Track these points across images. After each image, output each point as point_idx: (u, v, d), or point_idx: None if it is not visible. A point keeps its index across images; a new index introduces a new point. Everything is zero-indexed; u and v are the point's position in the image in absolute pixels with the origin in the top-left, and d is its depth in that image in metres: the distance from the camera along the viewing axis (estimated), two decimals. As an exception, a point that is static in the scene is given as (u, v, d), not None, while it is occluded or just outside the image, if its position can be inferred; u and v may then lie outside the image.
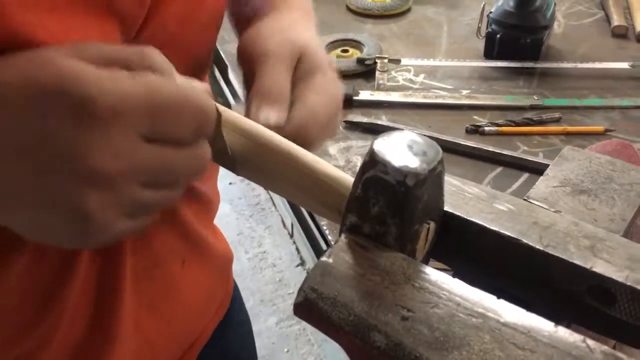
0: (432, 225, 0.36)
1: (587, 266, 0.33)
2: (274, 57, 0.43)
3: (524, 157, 0.83)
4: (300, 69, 0.44)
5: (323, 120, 0.43)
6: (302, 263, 2.06)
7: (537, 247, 0.34)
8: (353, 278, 0.33)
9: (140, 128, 0.30)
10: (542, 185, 0.47)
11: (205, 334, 0.63)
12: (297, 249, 2.12)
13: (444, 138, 0.87)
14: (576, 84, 0.99)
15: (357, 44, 1.07)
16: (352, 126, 0.90)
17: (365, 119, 0.91)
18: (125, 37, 0.38)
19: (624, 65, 1.00)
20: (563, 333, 0.30)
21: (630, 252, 0.34)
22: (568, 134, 0.88)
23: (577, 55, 1.05)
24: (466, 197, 0.38)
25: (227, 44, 1.11)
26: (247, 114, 0.40)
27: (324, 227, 0.76)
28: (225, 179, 2.42)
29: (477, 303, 0.31)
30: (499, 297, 0.32)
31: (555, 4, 1.05)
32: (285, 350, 1.83)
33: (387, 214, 0.33)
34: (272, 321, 1.88)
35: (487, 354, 0.29)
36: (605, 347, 0.29)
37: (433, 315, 0.31)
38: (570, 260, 0.34)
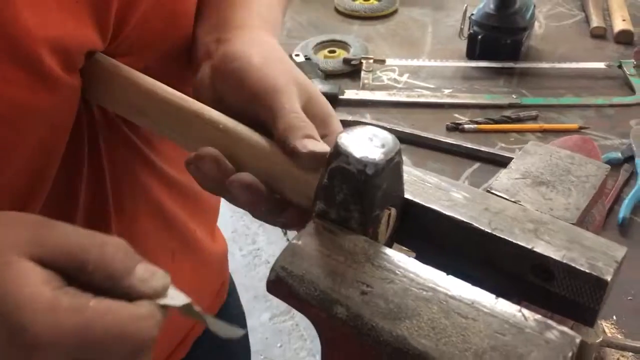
0: (393, 211, 0.39)
1: (529, 246, 0.37)
2: (289, 94, 0.42)
3: (501, 154, 0.87)
4: (314, 114, 0.43)
5: None
6: (296, 260, 2.10)
7: (486, 230, 0.38)
8: (319, 258, 0.36)
9: (71, 355, 0.32)
10: (504, 177, 0.51)
11: (199, 325, 0.66)
12: (291, 246, 2.16)
13: (426, 135, 0.91)
14: (554, 84, 1.03)
15: (343, 45, 1.10)
16: (338, 124, 0.94)
17: (350, 117, 0.94)
18: (103, 33, 0.41)
19: (601, 65, 1.04)
20: (502, 304, 0.33)
21: (570, 235, 0.38)
22: (544, 131, 0.92)
23: (556, 56, 1.09)
24: (426, 186, 0.42)
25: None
26: (292, 149, 0.40)
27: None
28: (220, 177, 2.46)
29: (428, 279, 0.35)
30: (448, 274, 0.35)
31: (534, 6, 1.09)
32: (279, 345, 1.86)
33: (350, 201, 0.37)
34: (265, 317, 1.92)
35: (434, 322, 0.33)
36: (538, 316, 0.32)
37: (389, 289, 0.34)
38: (514, 241, 0.37)
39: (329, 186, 0.38)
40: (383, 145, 0.37)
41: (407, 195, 0.41)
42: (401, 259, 0.36)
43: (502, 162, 0.86)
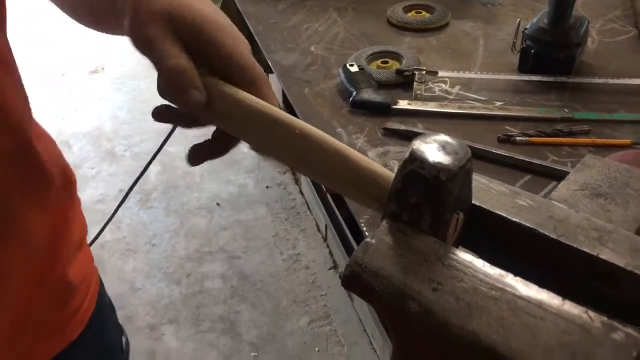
0: (461, 215, 0.42)
1: (594, 253, 0.39)
2: (241, 51, 0.52)
3: (553, 166, 0.88)
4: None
5: None
6: (335, 266, 2.12)
7: (552, 236, 0.40)
8: (392, 256, 0.39)
9: None
10: (563, 188, 0.52)
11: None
12: (330, 252, 2.19)
13: (477, 146, 0.92)
14: (606, 99, 1.03)
15: (396, 56, 1.13)
16: (390, 133, 0.96)
17: (402, 127, 0.97)
18: None
19: (655, 81, 1.04)
20: (569, 306, 0.35)
21: (634, 243, 0.40)
22: (596, 145, 0.92)
23: (608, 71, 1.09)
24: (492, 193, 0.44)
25: (274, 53, 1.18)
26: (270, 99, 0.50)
27: (363, 227, 0.82)
28: (262, 182, 2.50)
29: (497, 279, 0.37)
30: (516, 276, 0.37)
31: (588, 22, 1.09)
32: (316, 349, 1.88)
33: (423, 204, 0.39)
34: (304, 321, 1.95)
35: (503, 320, 0.35)
36: (604, 318, 0.34)
37: (459, 288, 0.37)
38: (579, 247, 0.39)
39: (402, 190, 0.40)
40: (456, 153, 0.39)
41: (474, 201, 0.43)
42: (470, 259, 0.38)
43: (554, 175, 0.87)
